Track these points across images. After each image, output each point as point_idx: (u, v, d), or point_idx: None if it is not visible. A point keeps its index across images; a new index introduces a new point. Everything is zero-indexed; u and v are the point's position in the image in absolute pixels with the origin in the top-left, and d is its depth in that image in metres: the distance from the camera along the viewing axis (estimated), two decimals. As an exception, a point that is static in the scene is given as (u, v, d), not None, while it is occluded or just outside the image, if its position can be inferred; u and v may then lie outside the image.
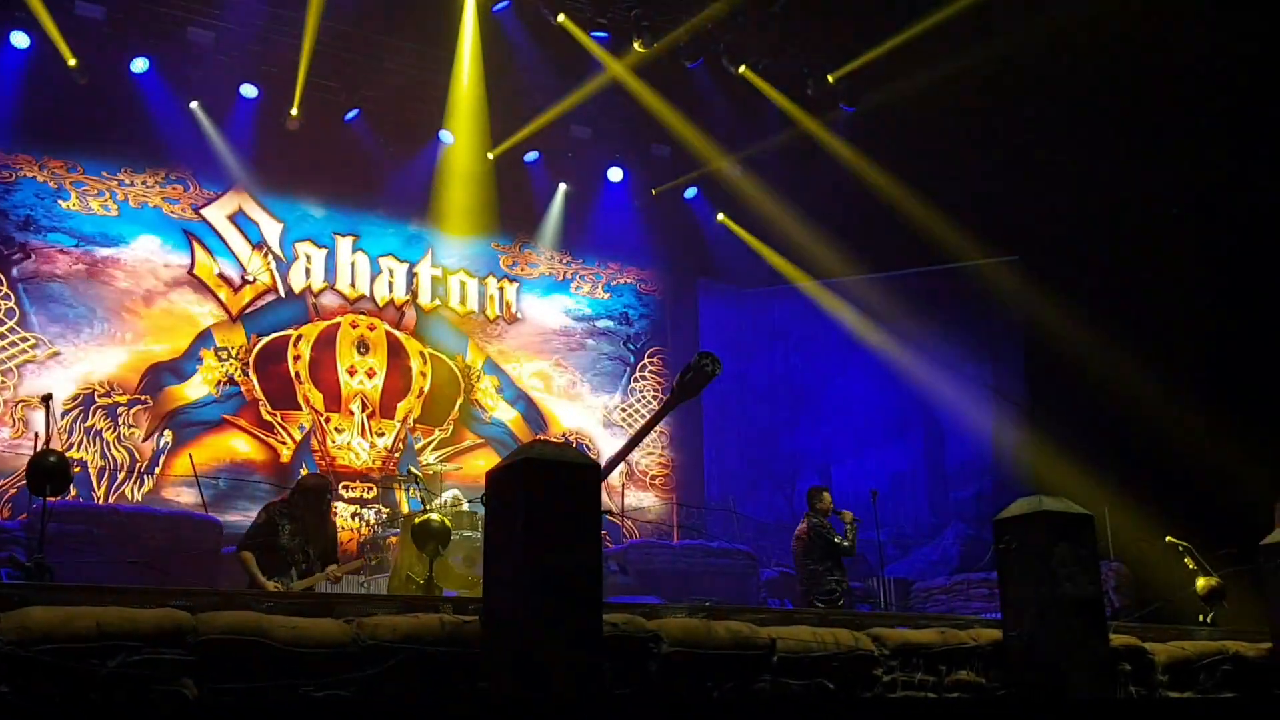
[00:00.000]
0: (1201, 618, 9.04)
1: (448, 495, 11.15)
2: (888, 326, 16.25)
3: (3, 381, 12.45)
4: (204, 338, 13.69)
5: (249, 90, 13.84)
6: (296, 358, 14.17)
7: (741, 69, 14.87)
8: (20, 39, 12.64)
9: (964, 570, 13.99)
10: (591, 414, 16.19)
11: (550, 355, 16.10)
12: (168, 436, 13.23)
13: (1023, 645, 5.26)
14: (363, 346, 14.59)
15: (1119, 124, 13.23)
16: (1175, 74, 12.83)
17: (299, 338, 14.25)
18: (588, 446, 15.59)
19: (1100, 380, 13.96)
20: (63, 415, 12.56)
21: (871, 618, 5.80)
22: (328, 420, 14.13)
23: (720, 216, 16.98)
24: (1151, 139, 13.22)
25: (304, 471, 12.89)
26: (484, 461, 14.38)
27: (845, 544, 10.20)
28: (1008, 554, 5.38)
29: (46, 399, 10.77)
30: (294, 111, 13.92)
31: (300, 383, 14.09)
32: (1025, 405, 15.71)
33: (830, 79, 15.07)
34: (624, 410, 16.40)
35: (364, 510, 13.86)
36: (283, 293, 14.31)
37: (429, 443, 14.74)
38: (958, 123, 14.22)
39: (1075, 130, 13.59)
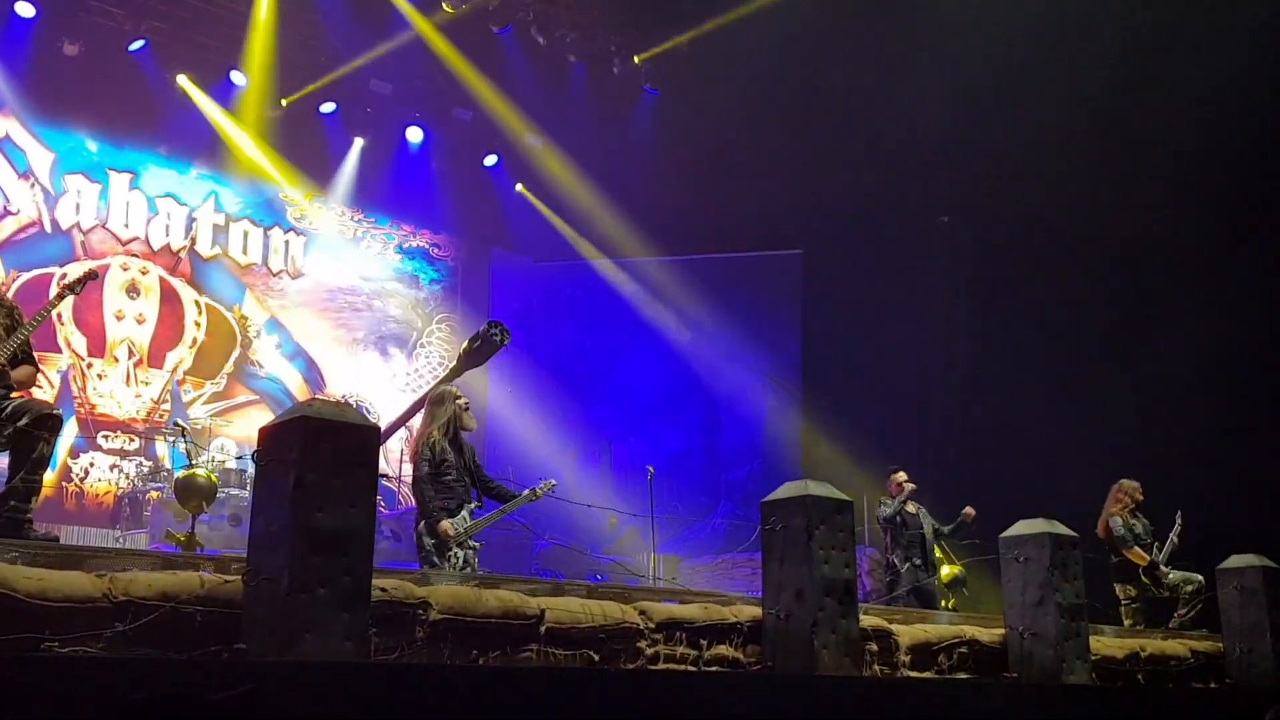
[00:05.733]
0: (944, 603, 9.64)
1: (215, 450, 10.75)
2: (674, 309, 16.58)
3: None
4: (-45, 269, 12.77)
5: (25, 8, 12.91)
6: (60, 297, 13.33)
7: (549, 41, 14.83)
8: None
9: (730, 550, 14.41)
10: (374, 377, 15.89)
11: (335, 314, 15.70)
12: (-93, 372, 12.25)
13: (780, 622, 5.47)
14: (133, 291, 13.88)
15: (899, 130, 13.81)
16: (955, 87, 13.51)
17: (63, 276, 13.43)
18: (368, 409, 15.27)
19: (868, 374, 14.66)
20: None
21: (639, 592, 5.92)
22: (90, 366, 13.39)
23: (519, 187, 16.92)
24: (927, 148, 13.88)
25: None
26: (257, 418, 13.92)
27: None
28: (772, 535, 5.58)
29: None
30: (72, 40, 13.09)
31: (61, 324, 13.29)
32: (797, 393, 16.32)
33: (636, 60, 15.23)
34: (409, 375, 16.17)
35: (124, 463, 13.22)
36: (48, 227, 13.46)
37: (199, 395, 14.17)
38: (754, 116, 14.58)
39: (858, 133, 14.11)
